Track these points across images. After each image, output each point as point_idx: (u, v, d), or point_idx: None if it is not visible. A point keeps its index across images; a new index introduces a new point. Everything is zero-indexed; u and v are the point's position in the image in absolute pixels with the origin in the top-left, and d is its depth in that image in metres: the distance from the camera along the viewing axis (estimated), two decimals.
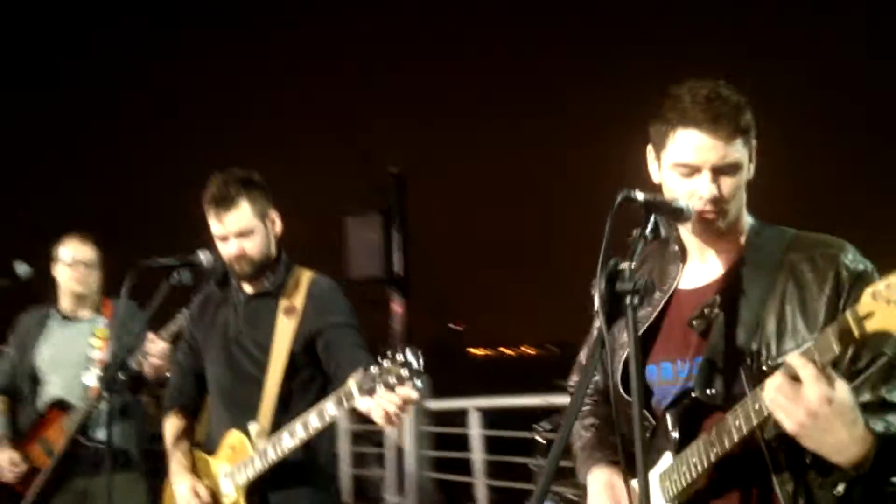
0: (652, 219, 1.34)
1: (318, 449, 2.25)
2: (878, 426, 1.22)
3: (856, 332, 1.15)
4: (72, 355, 3.22)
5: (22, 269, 2.42)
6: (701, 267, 1.55)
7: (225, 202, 2.25)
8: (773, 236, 1.49)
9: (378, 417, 1.94)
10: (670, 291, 1.55)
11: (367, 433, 6.47)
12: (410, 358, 1.86)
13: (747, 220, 1.53)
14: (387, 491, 5.98)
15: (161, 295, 2.35)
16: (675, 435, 1.43)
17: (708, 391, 1.38)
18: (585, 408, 1.69)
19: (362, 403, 1.95)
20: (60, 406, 3.23)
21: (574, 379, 1.78)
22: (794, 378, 1.19)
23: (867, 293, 1.15)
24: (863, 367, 1.34)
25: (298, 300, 2.30)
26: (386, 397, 1.87)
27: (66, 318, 3.30)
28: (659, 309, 1.54)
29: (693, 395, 1.41)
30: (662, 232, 1.37)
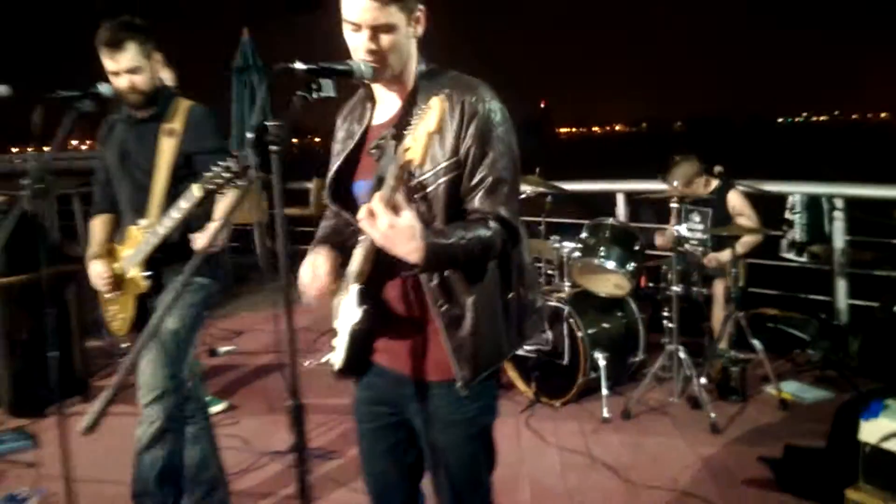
0: (319, 83, 1.71)
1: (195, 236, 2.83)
2: (437, 238, 1.65)
3: (404, 169, 1.57)
4: None
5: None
6: (384, 107, 1.93)
7: (116, 44, 2.75)
8: (435, 79, 1.84)
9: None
10: (364, 127, 1.95)
11: None
12: (228, 163, 2.44)
13: (418, 67, 1.86)
14: None
15: (70, 122, 2.86)
16: (361, 234, 1.84)
17: None
18: (330, 214, 2.12)
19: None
20: None
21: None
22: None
23: (412, 136, 1.54)
24: (474, 185, 1.75)
25: (178, 124, 2.86)
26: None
27: None
28: (357, 140, 1.94)
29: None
30: (330, 92, 1.74)
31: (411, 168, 1.63)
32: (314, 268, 1.90)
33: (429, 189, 1.77)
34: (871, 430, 2.81)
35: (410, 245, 1.62)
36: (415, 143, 1.57)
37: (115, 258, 2.95)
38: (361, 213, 1.63)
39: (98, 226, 3.05)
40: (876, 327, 4.69)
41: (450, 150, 1.75)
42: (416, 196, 1.75)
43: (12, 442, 4.01)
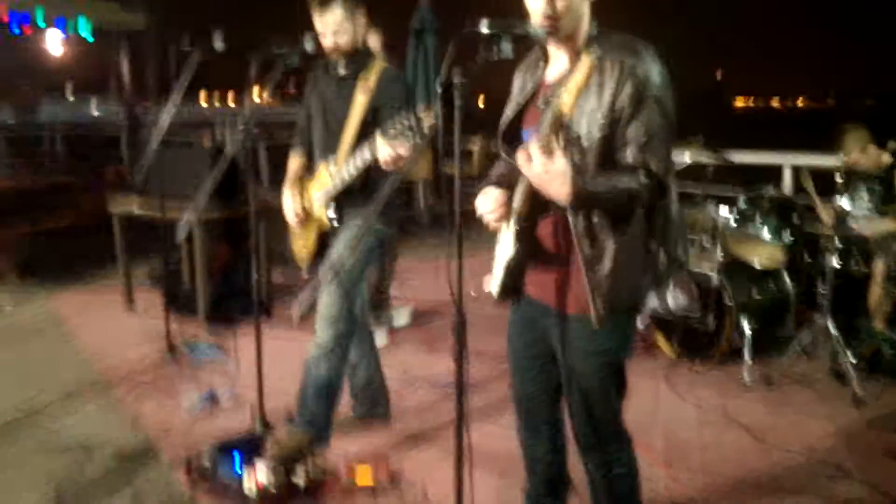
0: (498, 43, 1.97)
1: (376, 182, 3.18)
2: (589, 185, 1.87)
3: (558, 119, 1.81)
4: None
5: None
6: (556, 65, 2.14)
7: (324, 4, 3.11)
8: (601, 41, 2.00)
9: (384, 159, 2.89)
10: (537, 82, 2.17)
11: None
12: (410, 120, 2.75)
13: (588, 29, 2.05)
14: None
15: (276, 75, 3.29)
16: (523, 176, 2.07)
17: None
18: (502, 158, 2.35)
19: (383, 150, 2.89)
20: None
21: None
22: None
23: (566, 89, 1.79)
24: (627, 139, 1.93)
25: (371, 82, 3.20)
26: (392, 146, 2.83)
27: None
28: (528, 93, 2.17)
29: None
30: (509, 53, 1.99)
31: (563, 119, 1.86)
32: (489, 199, 2.16)
33: (584, 140, 1.98)
34: None
35: (563, 188, 1.86)
36: (566, 96, 1.82)
37: (305, 194, 3.38)
38: (520, 156, 1.90)
39: (294, 162, 3.48)
40: None
41: (607, 106, 1.94)
42: (571, 145, 1.98)
43: (208, 351, 4.65)
